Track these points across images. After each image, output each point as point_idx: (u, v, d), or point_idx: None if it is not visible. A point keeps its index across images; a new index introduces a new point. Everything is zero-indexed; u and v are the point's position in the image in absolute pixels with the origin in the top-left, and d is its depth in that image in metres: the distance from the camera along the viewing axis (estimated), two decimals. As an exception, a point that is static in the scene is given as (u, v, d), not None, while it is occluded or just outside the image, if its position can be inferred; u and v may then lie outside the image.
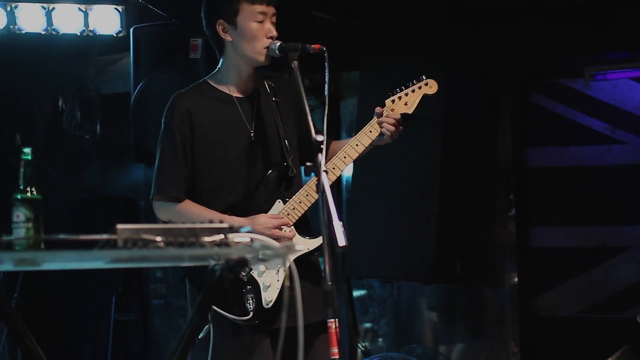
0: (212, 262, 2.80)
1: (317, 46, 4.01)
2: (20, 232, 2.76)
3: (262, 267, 4.08)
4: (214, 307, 3.99)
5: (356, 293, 7.44)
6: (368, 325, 7.55)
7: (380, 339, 7.53)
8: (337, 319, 3.41)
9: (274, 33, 4.16)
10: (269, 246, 2.76)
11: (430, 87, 4.29)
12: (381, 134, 4.18)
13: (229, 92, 4.27)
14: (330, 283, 3.42)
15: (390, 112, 4.19)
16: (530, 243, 6.98)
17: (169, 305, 8.12)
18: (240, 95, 4.28)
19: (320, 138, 3.60)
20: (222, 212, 4.08)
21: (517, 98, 6.97)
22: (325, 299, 3.40)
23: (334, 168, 4.15)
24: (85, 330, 7.88)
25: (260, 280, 4.09)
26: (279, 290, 4.07)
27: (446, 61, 6.11)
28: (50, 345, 7.81)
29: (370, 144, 4.21)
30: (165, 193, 4.18)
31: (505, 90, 6.85)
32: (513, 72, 6.88)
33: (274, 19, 4.20)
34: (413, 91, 4.27)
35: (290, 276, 2.78)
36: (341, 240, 3.36)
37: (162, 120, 4.25)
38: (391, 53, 6.42)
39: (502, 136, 6.83)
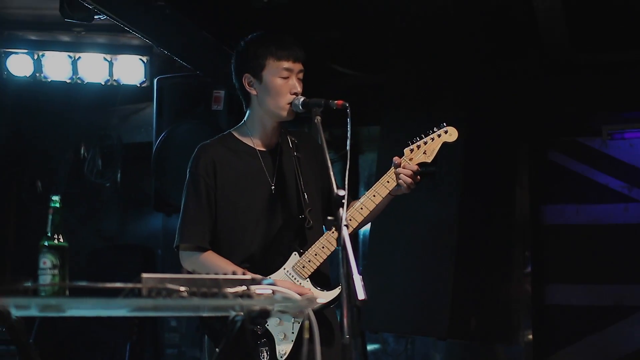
0: (233, 313, 2.83)
1: (340, 102, 4.03)
2: (46, 278, 2.80)
3: (277, 320, 4.10)
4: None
5: (370, 347, 7.43)
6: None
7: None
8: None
9: (298, 89, 4.19)
10: (291, 298, 2.79)
11: (450, 134, 4.24)
12: (398, 185, 4.16)
13: (252, 145, 4.31)
14: (347, 337, 3.43)
15: (408, 162, 4.18)
16: (546, 300, 6.97)
17: (182, 354, 8.12)
18: (264, 149, 4.32)
19: (341, 193, 3.62)
20: (241, 262, 4.12)
21: (535, 155, 7.01)
22: (344, 353, 3.41)
23: (350, 219, 4.15)
24: (100, 377, 7.89)
25: (275, 333, 4.11)
26: (292, 342, 4.08)
27: (465, 118, 6.14)
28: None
29: (388, 194, 4.20)
30: (190, 241, 4.21)
31: (523, 147, 6.90)
32: (531, 129, 6.92)
33: (300, 76, 4.24)
34: (432, 139, 4.23)
35: (310, 329, 2.80)
36: (360, 294, 3.37)
37: (188, 169, 4.29)
38: (411, 108, 6.46)
39: (519, 193, 6.86)
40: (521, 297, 6.90)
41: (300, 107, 4.14)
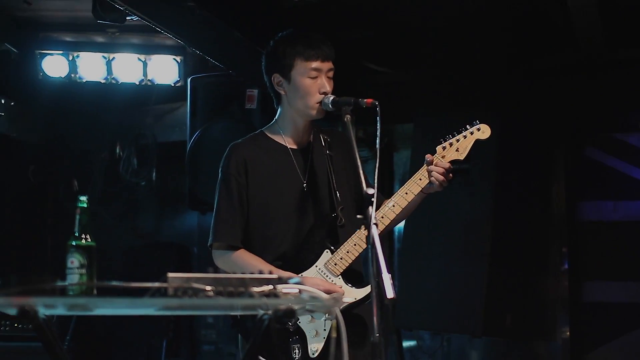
0: (261, 312, 2.83)
1: (370, 100, 4.00)
2: (73, 278, 2.82)
3: (309, 317, 4.10)
4: (260, 358, 4.01)
5: (406, 344, 7.41)
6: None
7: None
8: (384, 371, 3.41)
9: (327, 89, 4.18)
10: (317, 297, 2.78)
11: (483, 132, 4.21)
12: (430, 182, 4.14)
13: (284, 143, 4.32)
14: (377, 335, 3.42)
15: (441, 159, 4.16)
16: (583, 297, 6.90)
17: (219, 351, 8.14)
18: (295, 147, 4.33)
19: (371, 191, 3.61)
20: (273, 260, 4.14)
21: (571, 151, 6.94)
22: (373, 351, 3.41)
23: (382, 217, 4.14)
24: (136, 374, 7.95)
25: (307, 330, 4.11)
26: (324, 339, 4.08)
27: (500, 113, 6.11)
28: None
29: (421, 192, 4.19)
30: (222, 240, 4.24)
31: (559, 143, 6.83)
32: (567, 125, 6.86)
33: (330, 74, 4.23)
34: (465, 137, 4.20)
35: (337, 327, 2.79)
36: (389, 293, 3.36)
37: (220, 169, 4.31)
38: (444, 105, 6.44)
39: (556, 189, 6.81)
40: (558, 294, 6.83)
41: (330, 105, 4.13)
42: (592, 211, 6.98)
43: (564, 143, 6.88)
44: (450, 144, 4.21)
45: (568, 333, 6.83)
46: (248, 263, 4.13)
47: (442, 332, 7.04)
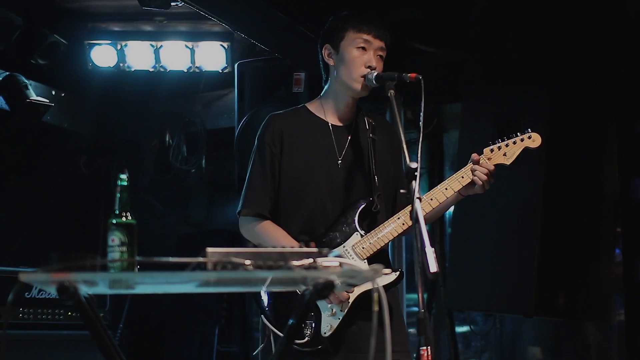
0: (303, 287, 2.81)
1: (414, 75, 3.96)
2: (114, 255, 2.81)
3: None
4: (269, 325, 3.99)
5: (459, 327, 7.37)
6: (471, 360, 7.47)
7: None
8: (429, 347, 3.37)
9: (374, 64, 4.15)
10: (357, 270, 2.75)
11: (534, 140, 4.13)
12: (473, 182, 4.07)
13: (324, 118, 4.30)
14: (422, 310, 3.39)
15: (487, 160, 4.09)
16: (638, 278, 6.78)
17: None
18: (336, 123, 4.30)
19: (414, 165, 3.57)
20: (299, 234, 4.10)
21: (623, 128, 6.81)
22: (418, 327, 3.37)
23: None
24: (189, 360, 7.99)
25: (323, 309, 4.04)
26: (339, 320, 4.02)
27: (548, 92, 6.04)
28: (155, 376, 7.96)
29: (460, 191, 4.12)
30: (251, 208, 4.21)
31: (610, 120, 6.72)
32: (618, 101, 6.74)
33: (380, 53, 4.20)
34: (514, 143, 4.13)
35: (379, 301, 2.75)
36: (432, 267, 3.32)
37: (256, 137, 4.31)
38: (493, 85, 6.37)
39: (608, 167, 6.70)
40: (612, 274, 6.74)
41: (374, 81, 4.11)
42: (646, 189, 6.86)
43: (615, 119, 6.77)
44: (499, 148, 4.14)
45: (623, 314, 6.72)
46: (272, 236, 4.11)
47: (494, 312, 6.98)
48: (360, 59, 4.16)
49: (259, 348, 3.91)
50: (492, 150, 4.14)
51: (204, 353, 7.86)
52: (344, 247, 4.10)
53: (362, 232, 4.12)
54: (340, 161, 4.22)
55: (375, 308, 2.74)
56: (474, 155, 4.10)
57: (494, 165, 4.10)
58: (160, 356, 8.09)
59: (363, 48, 4.17)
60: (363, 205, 4.17)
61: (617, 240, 6.78)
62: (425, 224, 4.16)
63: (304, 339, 4.00)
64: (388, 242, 4.13)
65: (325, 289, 2.68)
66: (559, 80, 6.16)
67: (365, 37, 4.17)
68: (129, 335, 7.44)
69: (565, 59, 6.23)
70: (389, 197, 4.30)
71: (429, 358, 3.37)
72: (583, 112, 6.41)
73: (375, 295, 2.73)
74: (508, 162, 4.13)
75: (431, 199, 4.10)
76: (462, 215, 6.50)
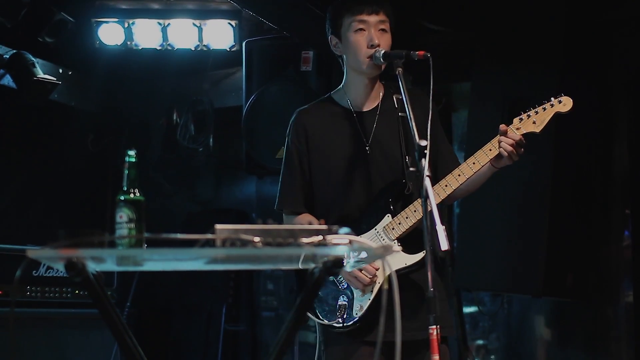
0: (312, 265, 2.80)
1: (422, 52, 3.95)
2: (122, 232, 2.80)
3: None
4: (316, 320, 4.03)
5: (466, 308, 7.36)
6: (479, 341, 7.45)
7: (492, 356, 7.41)
8: (438, 326, 3.36)
9: (375, 41, 4.12)
10: (367, 247, 2.74)
11: (565, 104, 4.09)
12: (500, 154, 4.02)
13: (348, 107, 4.30)
14: (432, 289, 3.38)
15: (515, 131, 4.02)
16: (647, 259, 6.75)
17: (279, 317, 8.16)
18: (361, 109, 4.30)
19: (424, 143, 3.56)
20: (335, 223, 4.07)
21: (634, 108, 6.75)
22: (427, 306, 3.36)
23: (446, 185, 4.06)
24: (196, 340, 7.97)
25: (355, 290, 4.08)
26: (370, 301, 4.04)
27: (559, 72, 6.00)
28: (162, 355, 7.95)
29: (490, 164, 4.07)
30: (285, 207, 4.35)
31: (620, 101, 6.67)
32: (629, 82, 6.68)
33: (381, 26, 4.17)
34: (544, 109, 4.08)
35: (389, 280, 2.74)
36: (444, 244, 3.31)
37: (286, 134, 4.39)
38: (503, 64, 6.33)
39: (618, 148, 6.66)
40: (621, 254, 6.70)
41: (382, 59, 4.10)
42: (656, 170, 6.80)
43: (626, 100, 6.71)
44: (528, 116, 4.08)
45: (632, 296, 6.69)
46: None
47: (502, 292, 6.96)
48: (361, 40, 4.15)
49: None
50: (521, 120, 4.09)
51: (211, 332, 7.86)
52: (375, 229, 4.12)
53: (394, 214, 4.12)
54: (368, 147, 4.22)
55: (385, 287, 2.73)
56: (502, 126, 4.03)
57: (522, 134, 4.03)
58: (167, 335, 8.10)
59: (361, 29, 4.15)
60: (396, 189, 4.17)
61: (627, 222, 6.74)
62: (461, 197, 4.16)
63: (335, 319, 4.05)
64: (415, 222, 4.07)
65: (335, 266, 2.67)
66: (570, 60, 6.11)
67: (360, 17, 4.16)
68: (136, 314, 7.44)
69: (576, 38, 6.18)
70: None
71: (438, 337, 3.36)
72: (594, 93, 6.36)
73: (386, 280, 2.73)
74: (538, 130, 4.08)
75: (459, 175, 4.08)
76: (470, 195, 6.46)
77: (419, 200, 4.01)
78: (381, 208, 4.16)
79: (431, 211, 3.40)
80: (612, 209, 6.66)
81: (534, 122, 4.07)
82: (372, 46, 4.12)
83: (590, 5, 6.29)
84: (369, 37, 4.13)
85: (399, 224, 4.10)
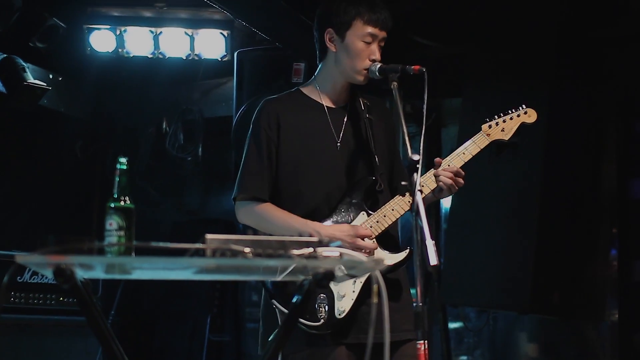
0: (301, 277, 2.79)
1: (417, 67, 3.97)
2: (112, 239, 2.78)
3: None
4: (285, 310, 3.94)
5: (452, 323, 7.36)
6: (463, 357, 7.45)
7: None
8: (426, 341, 3.35)
9: (377, 56, 4.14)
10: (358, 261, 2.73)
11: (530, 116, 4.23)
12: (439, 187, 4.05)
13: (320, 101, 4.27)
14: (420, 304, 3.37)
15: (448, 165, 4.07)
16: (633, 277, 6.77)
17: (263, 329, 8.13)
18: (332, 106, 4.28)
19: (416, 157, 3.56)
20: (303, 217, 4.06)
21: (622, 127, 6.79)
22: (415, 320, 3.35)
23: (392, 210, 4.08)
24: (180, 349, 7.96)
25: (335, 290, 4.01)
26: (353, 301, 3.99)
27: (549, 89, 6.01)
28: (145, 363, 7.94)
29: (432, 192, 4.08)
30: (248, 192, 4.15)
31: (609, 119, 6.70)
32: (618, 100, 6.71)
33: (382, 43, 4.19)
34: (511, 118, 4.21)
35: (378, 292, 2.73)
36: (433, 260, 3.30)
37: (251, 122, 4.27)
38: (493, 80, 6.35)
39: (606, 167, 6.68)
40: (607, 273, 6.72)
41: (377, 73, 4.10)
42: (643, 189, 6.84)
43: (614, 118, 6.74)
44: (497, 123, 4.20)
45: (617, 313, 6.71)
46: (276, 216, 4.07)
47: (488, 308, 6.96)
48: (365, 52, 4.14)
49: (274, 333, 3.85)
50: (490, 127, 4.19)
51: (195, 342, 7.85)
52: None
53: (369, 211, 4.10)
54: (339, 143, 4.20)
55: (375, 300, 2.72)
56: (437, 160, 4.11)
57: (491, 140, 4.16)
58: (152, 344, 8.08)
59: (369, 42, 4.15)
60: (368, 185, 4.15)
61: (613, 240, 6.76)
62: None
63: (318, 322, 3.96)
64: (395, 221, 4.10)
65: (325, 279, 2.66)
66: (560, 77, 6.13)
67: (373, 30, 4.14)
68: (121, 322, 7.41)
69: (567, 55, 6.21)
70: (387, 176, 4.29)
71: (426, 352, 3.35)
72: (583, 110, 6.38)
73: (375, 287, 2.72)
74: (506, 138, 4.19)
75: (409, 201, 4.01)
76: (458, 210, 6.48)
77: (397, 198, 4.07)
78: (355, 205, 4.12)
79: (422, 226, 3.39)
80: (599, 228, 6.67)
81: (503, 130, 4.19)
82: (373, 60, 4.12)
83: (580, 22, 6.32)
84: (372, 50, 4.13)
85: (377, 222, 4.07)
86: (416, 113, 7.01)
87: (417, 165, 3.54)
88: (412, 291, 3.83)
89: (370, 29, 4.13)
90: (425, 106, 3.84)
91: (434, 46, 7.03)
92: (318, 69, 4.34)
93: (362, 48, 4.13)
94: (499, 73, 6.32)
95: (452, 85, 6.83)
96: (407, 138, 3.74)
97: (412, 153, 3.61)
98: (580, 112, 6.34)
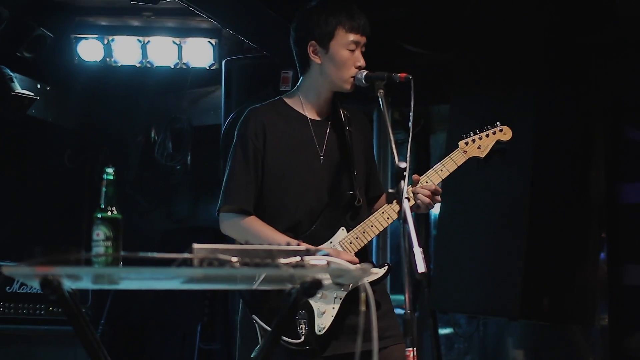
0: (289, 286, 2.79)
1: (403, 75, 3.96)
2: (99, 250, 2.78)
3: (319, 293, 4.01)
4: (266, 327, 3.94)
5: (442, 329, 7.36)
6: (454, 363, 7.47)
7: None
8: (415, 348, 3.35)
9: (362, 63, 4.15)
10: (346, 269, 2.73)
11: (505, 133, 4.25)
12: (416, 204, 4.04)
13: (303, 112, 4.25)
14: (409, 311, 3.37)
15: (426, 182, 4.08)
16: (623, 281, 6.78)
17: (255, 337, 8.12)
18: (315, 118, 4.26)
19: (403, 165, 3.55)
20: (284, 231, 4.05)
21: (611, 132, 6.81)
22: (404, 327, 3.35)
23: (372, 226, 4.11)
24: (171, 358, 7.95)
25: (315, 306, 4.02)
26: (333, 317, 4.00)
27: (537, 94, 6.03)
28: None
29: (412, 208, 4.03)
30: (234, 203, 4.11)
31: (598, 124, 6.71)
32: (606, 105, 6.73)
33: (363, 49, 4.20)
34: (487, 136, 4.22)
35: (366, 301, 2.73)
36: (420, 267, 3.30)
37: (236, 132, 4.24)
38: (482, 87, 6.36)
39: (595, 171, 6.69)
40: (597, 277, 6.72)
41: (364, 80, 4.11)
42: (632, 193, 6.84)
43: (603, 123, 6.75)
44: (473, 140, 4.22)
45: (607, 318, 6.72)
46: (261, 232, 4.03)
47: (478, 315, 6.97)
48: (350, 60, 4.14)
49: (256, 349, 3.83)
50: (466, 144, 4.21)
51: (186, 350, 7.83)
52: (330, 242, 4.08)
53: (348, 227, 4.10)
54: (322, 156, 4.19)
55: (363, 308, 2.73)
56: (415, 177, 4.09)
57: (468, 157, 4.18)
58: (142, 353, 8.06)
59: (352, 50, 4.15)
60: (346, 200, 4.15)
61: (603, 245, 6.78)
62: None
63: (299, 338, 3.97)
64: (373, 237, 4.13)
65: (313, 288, 2.66)
66: (548, 83, 6.15)
67: (355, 37, 4.14)
68: (111, 331, 7.39)
69: (555, 61, 6.22)
70: (364, 188, 4.31)
71: (415, 359, 3.35)
72: (572, 116, 6.39)
73: (363, 295, 2.72)
74: (482, 155, 4.22)
75: (387, 218, 4.10)
76: (448, 217, 6.49)
77: (377, 214, 4.09)
78: (334, 220, 4.12)
79: (409, 233, 3.39)
80: (589, 232, 6.68)
81: (479, 147, 4.21)
82: (358, 67, 4.12)
83: (569, 28, 6.33)
84: (357, 57, 4.14)
85: (357, 238, 4.08)
86: (404, 120, 7.03)
87: (404, 173, 3.54)
88: (401, 297, 3.84)
89: (352, 37, 4.13)
90: (412, 113, 3.83)
91: (422, 53, 7.03)
92: (300, 81, 4.32)
93: (347, 56, 4.13)
94: (487, 79, 6.33)
95: (440, 92, 6.85)
96: (394, 145, 3.74)
97: (399, 160, 3.61)
98: (569, 118, 6.35)
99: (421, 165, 7.40)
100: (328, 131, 4.24)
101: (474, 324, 7.24)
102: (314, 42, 4.18)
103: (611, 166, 6.77)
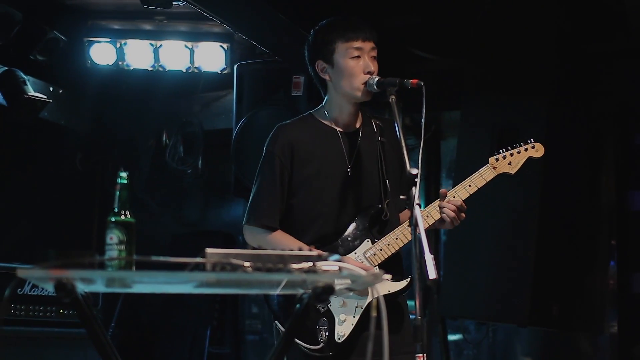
0: (301, 291, 2.80)
1: (415, 81, 3.97)
2: (112, 254, 2.79)
3: (341, 301, 4.06)
4: (279, 325, 3.99)
5: (451, 335, 7.36)
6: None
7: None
8: (425, 354, 3.36)
9: (372, 68, 4.16)
10: (356, 274, 2.74)
11: (537, 150, 4.23)
12: (442, 219, 4.10)
13: (332, 126, 4.29)
14: (419, 317, 3.38)
15: (453, 198, 4.10)
16: (632, 289, 6.78)
17: (264, 341, 8.14)
18: (345, 130, 4.30)
19: (414, 171, 3.57)
20: (311, 242, 4.07)
21: (621, 140, 6.81)
22: (414, 333, 3.36)
23: (427, 216, 4.10)
24: (180, 361, 7.97)
25: (336, 315, 4.06)
26: (353, 326, 4.04)
27: (548, 101, 6.03)
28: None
29: (434, 224, 4.13)
30: (260, 221, 4.20)
31: (608, 131, 6.72)
32: (617, 112, 6.74)
33: (373, 54, 4.21)
34: (519, 152, 4.20)
35: (377, 307, 2.74)
36: (431, 273, 3.32)
37: (265, 147, 4.29)
38: (492, 93, 6.36)
39: (605, 179, 6.70)
40: (606, 285, 6.73)
41: (375, 86, 4.11)
42: (642, 201, 6.86)
43: (613, 131, 6.76)
44: (504, 157, 4.20)
45: (616, 325, 6.72)
46: (285, 244, 4.08)
47: (487, 321, 6.97)
48: (357, 67, 4.16)
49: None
50: (497, 160, 4.20)
51: (195, 354, 7.84)
52: (355, 253, 4.12)
53: (374, 240, 4.13)
54: (349, 168, 4.22)
55: (374, 314, 2.74)
56: (442, 191, 4.13)
57: (498, 173, 4.17)
58: (152, 356, 8.07)
59: (357, 56, 4.17)
60: (373, 213, 4.19)
61: (612, 253, 6.77)
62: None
63: (318, 345, 4.02)
64: (398, 249, 4.14)
65: (325, 293, 2.67)
66: (559, 90, 6.15)
67: (356, 44, 4.17)
68: (121, 334, 7.41)
69: (565, 69, 6.23)
70: (398, 201, 4.30)
71: (425, 365, 3.36)
72: (582, 123, 6.40)
73: (374, 301, 2.73)
74: (513, 172, 4.20)
75: (427, 216, 4.11)
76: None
77: (402, 227, 4.12)
78: (360, 232, 4.16)
79: (420, 240, 3.40)
80: (599, 240, 6.69)
81: (510, 164, 4.20)
82: (368, 73, 4.13)
83: (579, 37, 6.34)
84: (364, 63, 4.15)
85: (380, 250, 4.12)
86: (415, 126, 7.04)
87: (416, 179, 3.55)
88: (411, 303, 3.85)
89: (354, 44, 4.16)
90: (423, 120, 3.84)
91: (433, 59, 7.05)
92: (324, 100, 4.36)
93: (352, 64, 4.16)
94: (497, 86, 6.33)
95: (451, 97, 6.85)
96: (405, 151, 3.75)
97: (410, 167, 3.62)
98: (579, 125, 6.36)
99: (432, 171, 7.40)
100: (359, 143, 4.27)
101: (483, 331, 7.24)
102: (320, 60, 4.25)
103: (621, 174, 6.77)
